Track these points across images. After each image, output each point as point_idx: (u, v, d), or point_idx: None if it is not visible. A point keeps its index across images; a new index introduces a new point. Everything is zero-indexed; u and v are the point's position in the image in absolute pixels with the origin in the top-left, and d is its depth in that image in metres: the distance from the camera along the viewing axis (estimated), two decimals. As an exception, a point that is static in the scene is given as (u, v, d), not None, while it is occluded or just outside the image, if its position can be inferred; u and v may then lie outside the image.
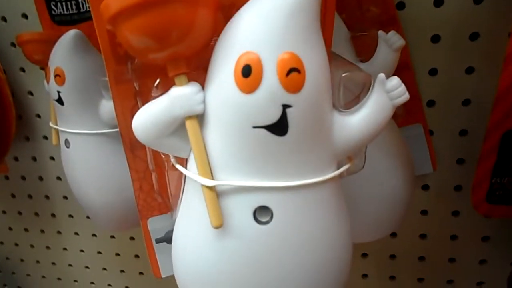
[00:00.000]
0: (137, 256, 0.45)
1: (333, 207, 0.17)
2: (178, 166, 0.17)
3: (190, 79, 0.16)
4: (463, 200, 0.33)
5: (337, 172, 0.17)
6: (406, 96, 0.16)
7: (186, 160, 0.18)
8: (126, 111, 0.20)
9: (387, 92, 0.16)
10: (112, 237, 0.45)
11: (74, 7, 0.33)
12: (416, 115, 0.31)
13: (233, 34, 0.15)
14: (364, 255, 0.38)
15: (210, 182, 0.16)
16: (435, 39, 0.30)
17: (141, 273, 0.46)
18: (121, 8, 0.14)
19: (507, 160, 0.28)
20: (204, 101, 0.16)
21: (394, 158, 0.28)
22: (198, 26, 0.15)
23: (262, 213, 0.16)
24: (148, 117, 0.16)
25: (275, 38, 0.14)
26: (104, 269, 0.48)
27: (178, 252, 0.18)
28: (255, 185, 0.16)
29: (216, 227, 0.16)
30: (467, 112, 0.31)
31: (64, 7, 0.33)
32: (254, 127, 0.15)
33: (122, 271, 0.47)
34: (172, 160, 0.18)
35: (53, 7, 0.33)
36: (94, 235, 0.46)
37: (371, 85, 0.17)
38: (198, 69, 0.17)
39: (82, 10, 0.33)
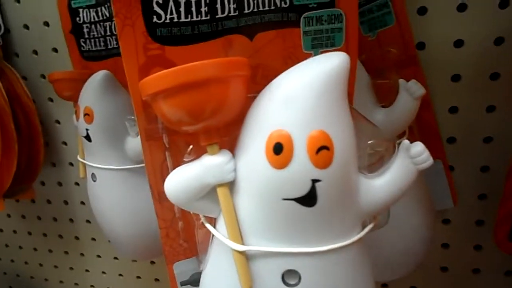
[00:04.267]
0: (157, 279, 0.46)
1: (358, 265, 0.18)
2: (209, 226, 0.18)
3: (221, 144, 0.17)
4: (485, 234, 0.33)
5: (362, 234, 0.17)
6: (430, 162, 0.17)
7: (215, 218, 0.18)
8: (156, 165, 0.21)
9: (411, 158, 0.17)
10: (134, 260, 0.46)
11: (102, 43, 0.34)
12: (436, 152, 0.31)
13: (264, 110, 0.15)
14: (384, 285, 0.38)
15: (240, 247, 0.16)
16: (456, 78, 0.30)
17: (161, 296, 0.47)
18: (160, 89, 0.14)
19: (530, 201, 0.28)
20: (235, 169, 0.16)
21: (414, 198, 0.28)
22: (230, 101, 0.15)
23: (290, 276, 0.17)
24: (180, 182, 0.17)
25: (305, 117, 0.15)
26: (125, 291, 0.49)
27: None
28: (283, 251, 0.16)
29: (246, 289, 0.16)
30: (489, 149, 0.31)
31: (93, 43, 0.34)
32: (284, 199, 0.15)
33: (143, 293, 0.48)
34: (202, 219, 0.18)
35: (82, 43, 0.35)
36: (115, 258, 0.47)
37: (395, 149, 0.18)
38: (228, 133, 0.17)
39: (109, 46, 0.34)
